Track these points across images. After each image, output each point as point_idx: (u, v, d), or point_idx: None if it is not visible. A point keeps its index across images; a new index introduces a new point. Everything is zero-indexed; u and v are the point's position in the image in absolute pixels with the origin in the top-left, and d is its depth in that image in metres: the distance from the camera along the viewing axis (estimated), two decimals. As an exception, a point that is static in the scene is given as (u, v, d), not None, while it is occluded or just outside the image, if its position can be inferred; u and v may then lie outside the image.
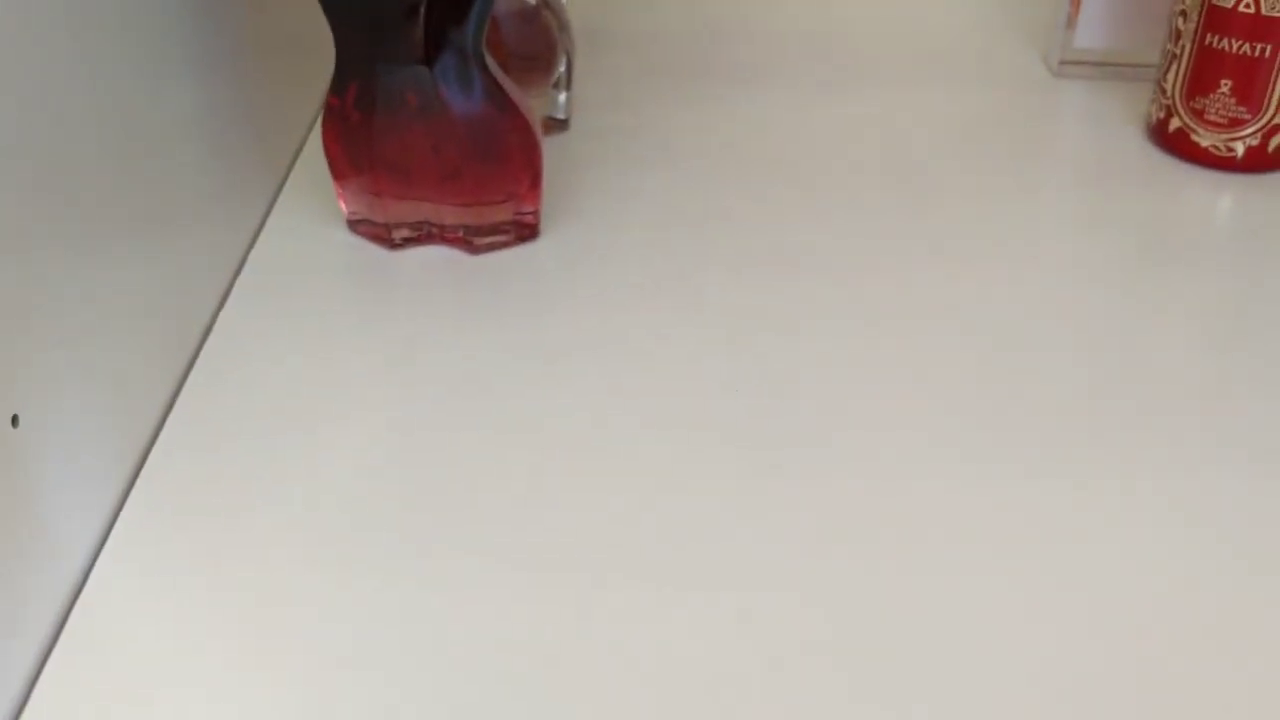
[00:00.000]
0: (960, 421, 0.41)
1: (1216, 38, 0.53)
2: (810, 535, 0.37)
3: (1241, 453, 0.40)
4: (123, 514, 0.38)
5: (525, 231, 0.51)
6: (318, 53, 0.62)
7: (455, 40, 0.45)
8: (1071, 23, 0.63)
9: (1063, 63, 0.65)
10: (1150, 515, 0.38)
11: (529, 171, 0.50)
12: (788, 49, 0.68)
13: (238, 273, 0.50)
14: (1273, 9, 0.52)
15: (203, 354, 0.45)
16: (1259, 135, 0.55)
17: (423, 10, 0.44)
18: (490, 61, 0.47)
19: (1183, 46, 0.55)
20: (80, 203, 0.37)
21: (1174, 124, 0.56)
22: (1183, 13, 0.54)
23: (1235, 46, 0.53)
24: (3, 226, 0.33)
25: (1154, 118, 0.58)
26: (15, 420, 0.33)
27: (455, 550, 0.36)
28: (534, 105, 0.59)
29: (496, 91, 0.47)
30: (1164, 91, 0.57)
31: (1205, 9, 0.53)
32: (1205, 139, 0.56)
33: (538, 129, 0.50)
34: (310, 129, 0.61)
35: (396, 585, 0.35)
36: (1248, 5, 0.52)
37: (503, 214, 0.50)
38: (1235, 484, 0.39)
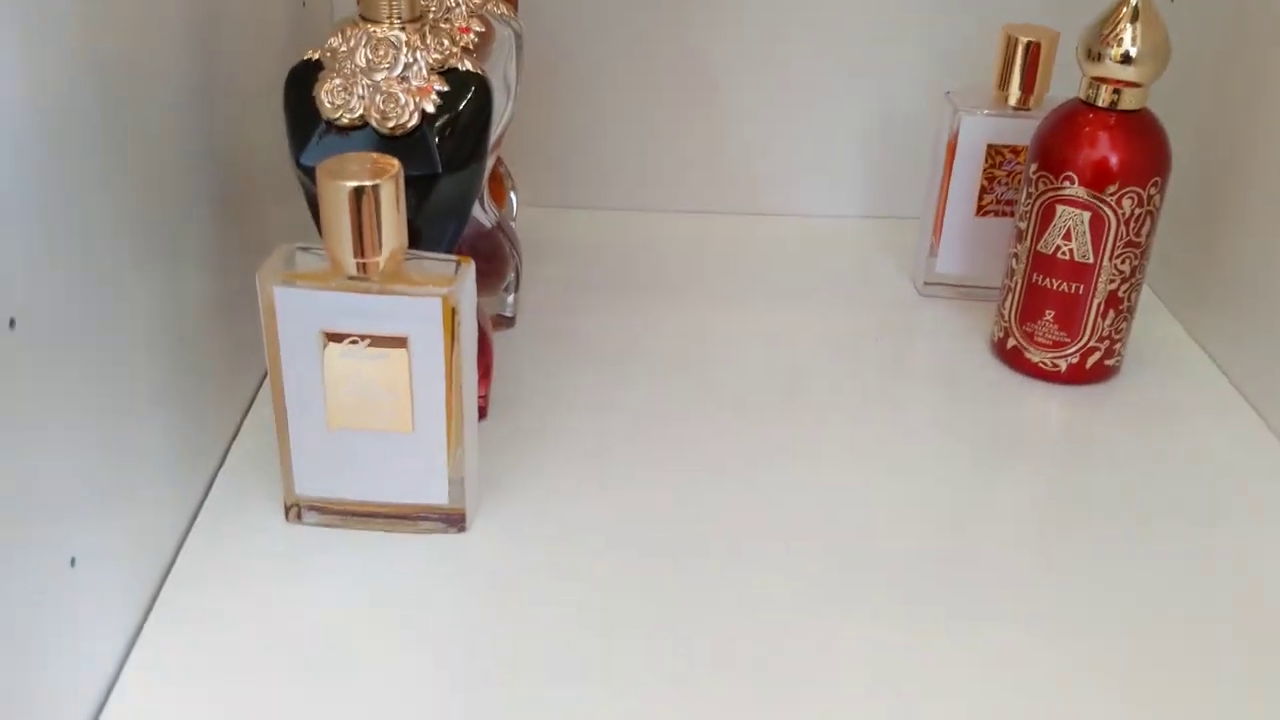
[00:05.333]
0: (824, 598, 0.52)
1: (1041, 277, 0.66)
2: None
3: (1054, 626, 0.52)
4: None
5: (477, 415, 0.62)
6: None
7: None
8: (934, 251, 0.76)
9: (926, 284, 0.78)
10: (988, 677, 0.49)
11: (481, 363, 0.60)
12: (705, 265, 0.80)
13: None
14: (1084, 257, 0.65)
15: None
16: (1078, 354, 0.67)
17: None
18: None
19: (1016, 282, 0.68)
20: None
21: (1010, 342, 0.69)
22: (1015, 255, 0.68)
23: (1056, 285, 0.66)
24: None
25: (995, 336, 0.71)
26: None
27: None
28: (487, 304, 0.71)
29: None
30: (1003, 316, 0.69)
31: (1032, 255, 0.66)
32: (1035, 356, 0.68)
33: (489, 330, 0.61)
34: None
35: None
36: (1064, 253, 0.65)
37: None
38: (1048, 653, 0.50)
